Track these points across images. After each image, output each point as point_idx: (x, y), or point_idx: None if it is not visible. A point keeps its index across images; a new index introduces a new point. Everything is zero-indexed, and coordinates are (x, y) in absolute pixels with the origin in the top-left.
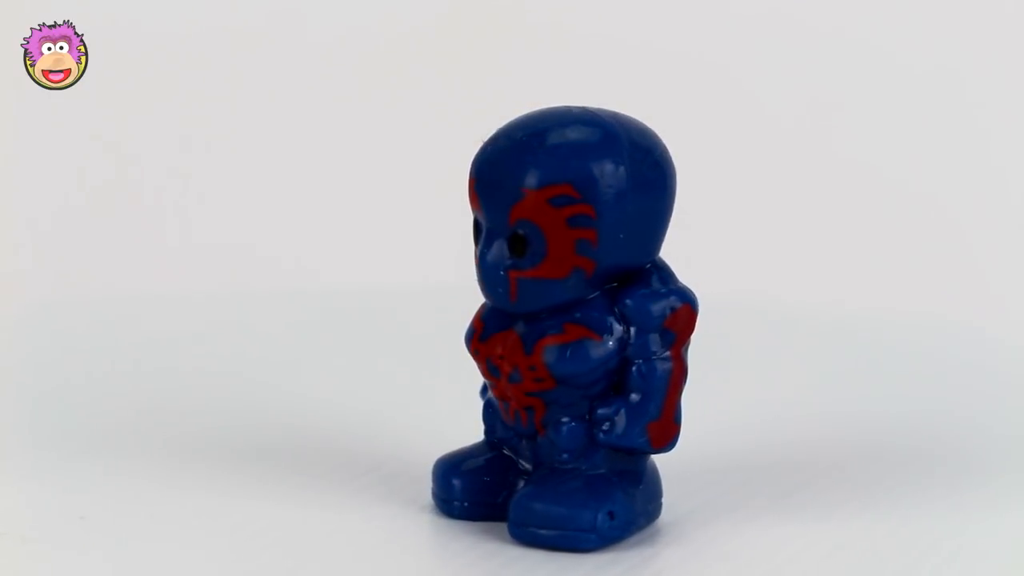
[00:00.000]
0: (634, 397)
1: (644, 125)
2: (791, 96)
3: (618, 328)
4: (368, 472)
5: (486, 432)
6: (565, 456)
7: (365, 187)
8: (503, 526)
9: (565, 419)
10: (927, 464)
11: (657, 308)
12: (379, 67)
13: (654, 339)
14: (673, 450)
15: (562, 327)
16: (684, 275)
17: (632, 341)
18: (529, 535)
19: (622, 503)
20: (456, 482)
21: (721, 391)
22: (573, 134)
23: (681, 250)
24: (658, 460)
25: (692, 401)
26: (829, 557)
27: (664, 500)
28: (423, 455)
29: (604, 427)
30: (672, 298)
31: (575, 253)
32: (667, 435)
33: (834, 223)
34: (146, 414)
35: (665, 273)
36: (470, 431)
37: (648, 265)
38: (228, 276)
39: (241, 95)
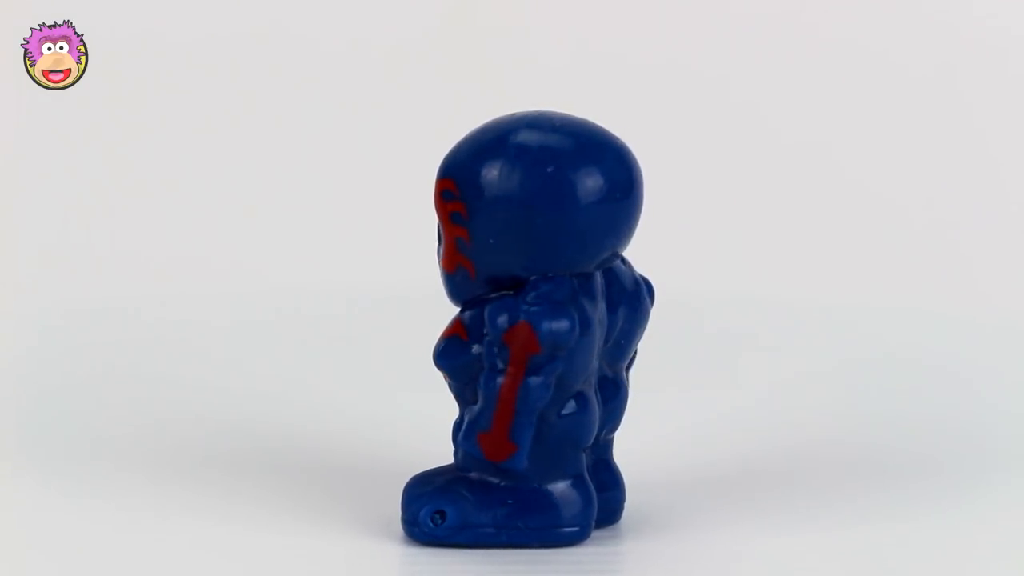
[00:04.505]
0: (474, 404)
1: (599, 141)
2: (789, 97)
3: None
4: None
5: None
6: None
7: (361, 191)
8: None
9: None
10: (918, 469)
11: (499, 319)
12: (380, 70)
13: (492, 350)
14: (644, 458)
15: (454, 321)
16: (675, 271)
17: (483, 348)
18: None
19: (460, 507)
20: None
21: (700, 394)
22: (483, 134)
23: (672, 247)
24: (632, 463)
25: (670, 404)
26: (789, 565)
27: (628, 506)
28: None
29: (457, 429)
30: (516, 313)
31: (456, 250)
32: (501, 451)
33: (822, 221)
34: (112, 424)
35: (553, 291)
36: None
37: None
38: (227, 280)
39: (242, 95)
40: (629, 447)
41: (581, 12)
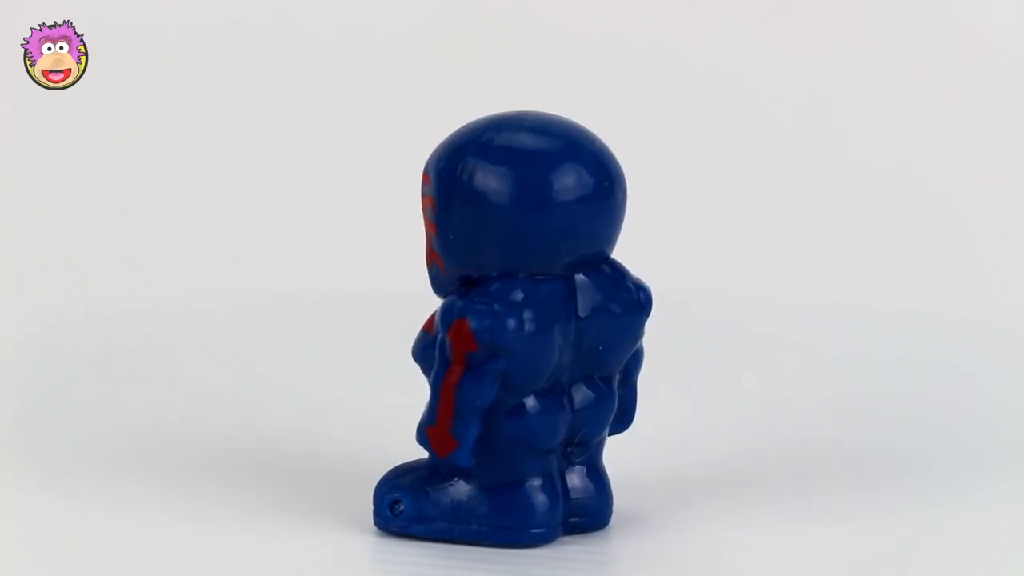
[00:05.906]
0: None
1: (571, 143)
2: (788, 97)
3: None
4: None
5: None
6: None
7: (355, 188)
8: None
9: None
10: (912, 466)
11: (446, 315)
12: (381, 71)
13: (440, 345)
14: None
15: (430, 316)
16: (665, 269)
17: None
18: None
19: (416, 500)
20: None
21: (690, 394)
22: (459, 131)
23: (664, 244)
24: (623, 464)
25: (661, 404)
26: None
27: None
28: None
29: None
30: (461, 310)
31: (430, 245)
32: (445, 446)
33: (818, 219)
34: (97, 423)
35: (500, 290)
36: None
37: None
38: (222, 280)
39: (242, 95)
40: (618, 448)
41: (582, 10)
